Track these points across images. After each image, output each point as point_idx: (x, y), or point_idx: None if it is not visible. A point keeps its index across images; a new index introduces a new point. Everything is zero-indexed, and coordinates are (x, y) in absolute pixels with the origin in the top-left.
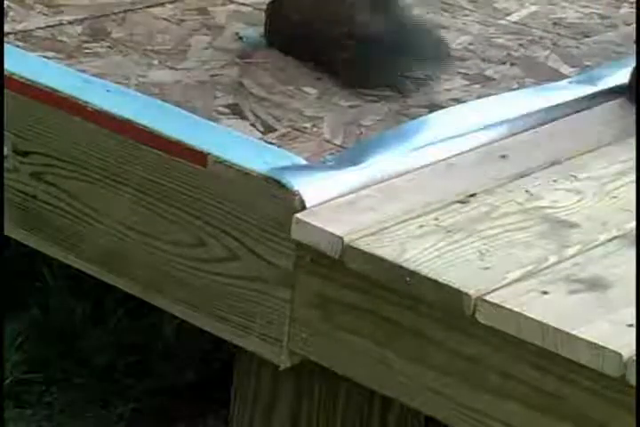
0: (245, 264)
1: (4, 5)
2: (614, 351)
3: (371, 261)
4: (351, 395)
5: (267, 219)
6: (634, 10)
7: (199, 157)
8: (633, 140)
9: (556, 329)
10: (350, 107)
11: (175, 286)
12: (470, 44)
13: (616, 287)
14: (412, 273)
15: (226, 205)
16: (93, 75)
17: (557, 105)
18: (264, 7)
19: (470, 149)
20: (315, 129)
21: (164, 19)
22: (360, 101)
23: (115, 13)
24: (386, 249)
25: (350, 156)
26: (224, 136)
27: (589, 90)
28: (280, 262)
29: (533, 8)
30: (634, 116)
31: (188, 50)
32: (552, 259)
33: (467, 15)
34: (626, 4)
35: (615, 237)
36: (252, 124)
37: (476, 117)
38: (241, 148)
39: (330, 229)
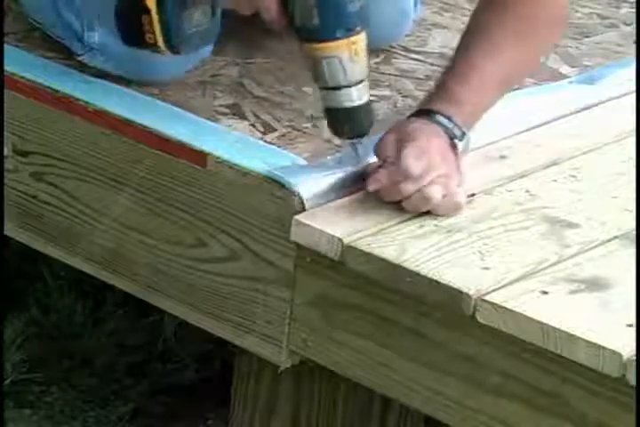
0: (245, 264)
1: (4, 5)
2: (614, 351)
3: (371, 261)
4: (351, 395)
5: (267, 219)
6: (634, 10)
7: (199, 157)
8: (633, 140)
9: (556, 329)
10: None
11: (175, 286)
12: None
13: (616, 287)
14: (413, 273)
15: (226, 205)
16: (93, 75)
17: (557, 105)
18: None
19: (470, 149)
20: (315, 129)
21: None
22: None
23: None
24: (386, 249)
25: (350, 156)
26: (224, 136)
27: (589, 90)
28: (280, 262)
29: None
30: (634, 116)
31: None
32: (552, 259)
33: (466, 15)
34: (626, 4)
35: (615, 237)
36: (252, 125)
37: None
38: (241, 148)
39: (329, 230)
